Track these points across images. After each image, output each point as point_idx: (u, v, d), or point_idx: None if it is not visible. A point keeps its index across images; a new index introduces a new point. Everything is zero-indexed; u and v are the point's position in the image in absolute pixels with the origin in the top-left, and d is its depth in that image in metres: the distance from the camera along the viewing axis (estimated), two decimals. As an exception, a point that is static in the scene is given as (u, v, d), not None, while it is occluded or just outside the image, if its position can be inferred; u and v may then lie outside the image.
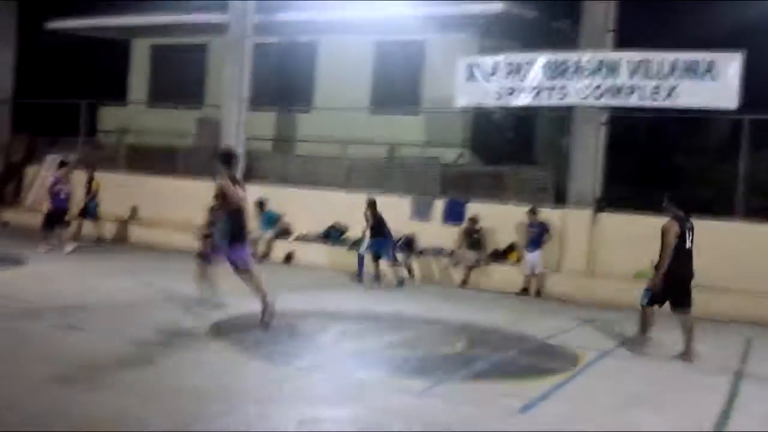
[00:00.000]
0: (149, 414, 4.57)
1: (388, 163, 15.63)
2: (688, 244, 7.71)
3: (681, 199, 7.90)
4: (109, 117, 20.32)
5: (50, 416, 4.35)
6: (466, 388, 5.92)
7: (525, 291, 12.64)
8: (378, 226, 12.56)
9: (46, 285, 9.34)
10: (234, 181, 7.77)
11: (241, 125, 15.98)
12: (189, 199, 16.20)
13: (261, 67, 16.77)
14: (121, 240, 16.31)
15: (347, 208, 14.96)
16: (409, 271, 13.45)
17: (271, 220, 15.32)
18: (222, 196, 7.68)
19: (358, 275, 12.55)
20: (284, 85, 18.31)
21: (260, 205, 15.13)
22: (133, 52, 20.55)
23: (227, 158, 8.01)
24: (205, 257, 8.38)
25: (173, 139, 17.63)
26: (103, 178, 16.54)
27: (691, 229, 7.79)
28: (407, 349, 7.35)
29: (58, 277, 10.06)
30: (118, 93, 20.64)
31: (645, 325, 7.97)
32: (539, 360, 7.40)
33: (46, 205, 13.44)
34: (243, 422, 4.62)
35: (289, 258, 14.91)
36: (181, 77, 19.56)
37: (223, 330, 7.40)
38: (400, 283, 12.37)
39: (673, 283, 7.63)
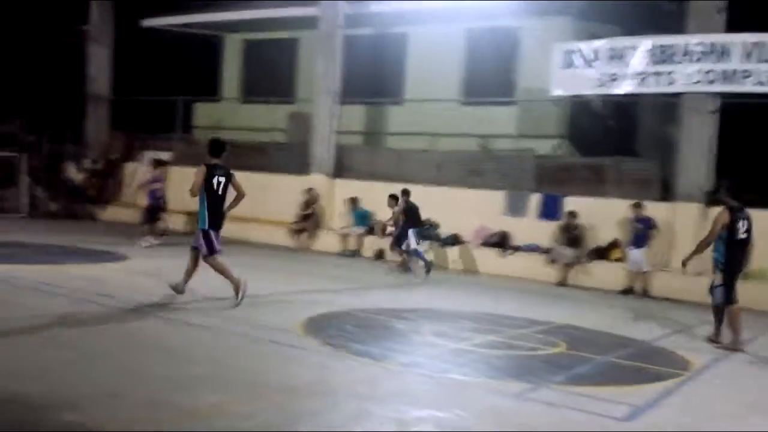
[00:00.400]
0: (254, 410, 4.70)
1: (480, 156, 15.49)
2: (740, 235, 7.81)
3: (738, 189, 7.99)
4: (203, 113, 21.02)
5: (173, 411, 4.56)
6: (567, 393, 5.81)
7: (629, 290, 12.27)
8: (413, 216, 12.89)
9: (149, 280, 9.77)
10: (214, 170, 8.24)
11: (332, 119, 16.22)
12: (281, 194, 16.61)
13: (351, 59, 16.95)
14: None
15: (438, 203, 14.94)
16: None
17: (362, 217, 15.49)
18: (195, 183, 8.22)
19: (427, 268, 12.50)
20: (374, 77, 18.43)
21: (353, 201, 15.33)
22: (225, 48, 21.16)
23: (214, 148, 8.48)
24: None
25: (265, 134, 18.06)
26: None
27: (746, 219, 7.87)
28: (505, 349, 7.28)
29: (159, 272, 10.50)
30: (211, 89, 21.33)
31: (735, 325, 7.97)
32: (646, 364, 7.17)
33: (143, 201, 14.13)
34: (345, 419, 4.69)
35: (379, 255, 15.03)
36: (272, 72, 20.02)
37: (317, 326, 7.53)
38: (427, 270, 12.45)
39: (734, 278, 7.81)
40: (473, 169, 15.22)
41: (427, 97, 16.59)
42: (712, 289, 8.06)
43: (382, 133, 17.02)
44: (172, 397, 4.78)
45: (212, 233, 8.30)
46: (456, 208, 14.66)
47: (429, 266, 12.58)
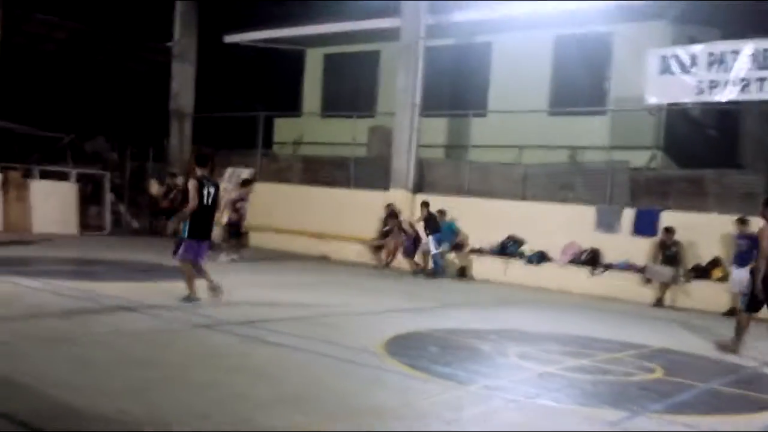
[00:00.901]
0: (341, 433, 4.74)
1: (570, 169, 15.20)
2: None
3: None
4: (284, 128, 21.49)
5: None
6: (666, 422, 5.58)
7: (732, 312, 11.74)
8: (433, 224, 14.55)
9: (226, 296, 10.02)
10: (204, 181, 8.89)
11: (413, 132, 16.27)
12: (361, 210, 16.75)
13: (433, 71, 16.98)
14: (290, 251, 17.10)
15: (524, 218, 14.74)
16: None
17: (449, 231, 15.38)
18: (184, 194, 9.00)
19: (434, 272, 14.20)
20: (457, 88, 18.41)
21: (440, 214, 15.25)
22: (306, 62, 21.56)
23: (202, 159, 9.18)
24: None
25: (346, 149, 18.31)
26: (277, 190, 17.57)
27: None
28: (598, 374, 7.08)
29: (236, 289, 10.74)
30: (292, 104, 21.79)
31: (740, 330, 8.46)
32: (752, 392, 6.83)
33: (226, 217, 14.52)
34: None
35: (463, 272, 14.93)
36: (353, 86, 20.30)
37: (399, 347, 7.52)
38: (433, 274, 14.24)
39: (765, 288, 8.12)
40: (562, 182, 14.95)
41: (513, 108, 16.44)
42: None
43: (465, 147, 16.96)
44: (262, 418, 4.84)
45: (189, 243, 8.88)
46: (543, 224, 14.43)
47: (437, 272, 14.32)
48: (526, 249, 14.48)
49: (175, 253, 9.09)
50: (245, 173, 19.41)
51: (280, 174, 19.18)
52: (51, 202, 17.62)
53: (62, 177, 18.87)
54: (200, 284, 9.12)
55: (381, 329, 8.38)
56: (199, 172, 8.98)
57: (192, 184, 8.85)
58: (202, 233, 9.01)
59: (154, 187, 20.33)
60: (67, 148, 21.91)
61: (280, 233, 17.35)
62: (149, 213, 20.18)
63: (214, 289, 9.05)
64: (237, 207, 14.56)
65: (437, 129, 17.87)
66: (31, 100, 23.10)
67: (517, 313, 10.90)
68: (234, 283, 11.43)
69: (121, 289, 9.72)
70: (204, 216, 8.96)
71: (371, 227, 16.42)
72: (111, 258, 13.28)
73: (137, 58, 26.42)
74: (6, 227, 16.58)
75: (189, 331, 7.52)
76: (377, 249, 16.11)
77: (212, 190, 8.96)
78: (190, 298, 8.99)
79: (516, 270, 14.33)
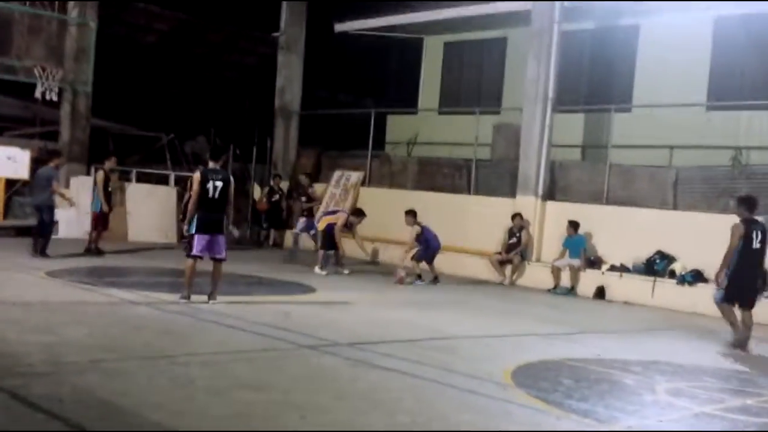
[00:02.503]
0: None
1: (731, 173, 14.56)
2: (755, 245, 9.78)
3: (752, 202, 10.00)
4: (398, 127, 21.66)
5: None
6: None
7: None
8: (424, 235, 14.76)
9: (332, 313, 10.17)
10: (209, 173, 9.79)
11: (544, 130, 16.04)
12: (483, 219, 16.66)
13: (569, 59, 16.72)
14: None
15: (675, 231, 14.24)
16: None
17: (576, 245, 15.07)
18: (190, 188, 10.19)
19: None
20: (596, 79, 18.06)
21: (573, 226, 15.00)
22: (424, 52, 21.67)
23: (215, 152, 10.47)
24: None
25: (466, 149, 18.26)
26: (389, 195, 17.71)
27: (763, 231, 9.81)
28: (766, 417, 6.71)
29: (345, 305, 10.90)
30: (407, 100, 21.94)
31: (730, 321, 10.10)
32: None
33: (322, 226, 14.99)
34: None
35: (600, 292, 14.57)
36: (476, 78, 20.27)
37: (527, 377, 7.40)
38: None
39: (737, 282, 9.83)
40: (722, 188, 14.34)
41: (663, 102, 15.94)
42: None
43: (605, 147, 16.57)
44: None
45: (198, 237, 9.71)
46: (699, 237, 13.86)
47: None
48: (678, 267, 13.95)
49: (187, 252, 9.84)
50: (354, 176, 19.72)
51: (392, 178, 19.35)
52: (148, 207, 18.36)
53: (160, 180, 19.68)
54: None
55: (506, 356, 8.29)
56: (211, 164, 9.93)
57: (195, 176, 9.85)
58: (211, 227, 9.78)
59: (258, 193, 20.95)
60: (166, 148, 22.90)
61: (388, 243, 17.48)
62: (252, 220, 20.82)
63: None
64: (348, 224, 15.07)
65: (573, 126, 17.57)
66: (129, 96, 24.28)
67: (666, 341, 10.54)
68: (344, 298, 11.61)
69: (222, 303, 10.03)
70: (211, 209, 9.75)
71: (494, 239, 16.30)
72: (210, 269, 13.76)
73: (242, 50, 27.24)
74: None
75: (295, 352, 7.67)
76: (502, 264, 15.96)
77: (219, 183, 9.75)
78: (186, 298, 9.84)
79: (665, 291, 13.84)
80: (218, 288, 10.11)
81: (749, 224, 9.86)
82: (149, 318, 8.82)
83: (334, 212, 15.85)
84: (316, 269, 14.57)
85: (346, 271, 14.83)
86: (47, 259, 13.30)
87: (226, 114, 24.57)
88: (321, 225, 15.28)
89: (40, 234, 13.74)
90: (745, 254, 9.79)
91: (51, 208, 13.89)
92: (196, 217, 9.74)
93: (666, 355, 9.29)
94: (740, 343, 9.91)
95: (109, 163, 15.37)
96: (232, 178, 10.08)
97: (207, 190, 9.70)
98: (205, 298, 9.95)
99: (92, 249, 14.70)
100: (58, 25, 19.06)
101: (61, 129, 19.68)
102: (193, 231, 9.75)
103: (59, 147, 18.31)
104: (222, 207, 9.85)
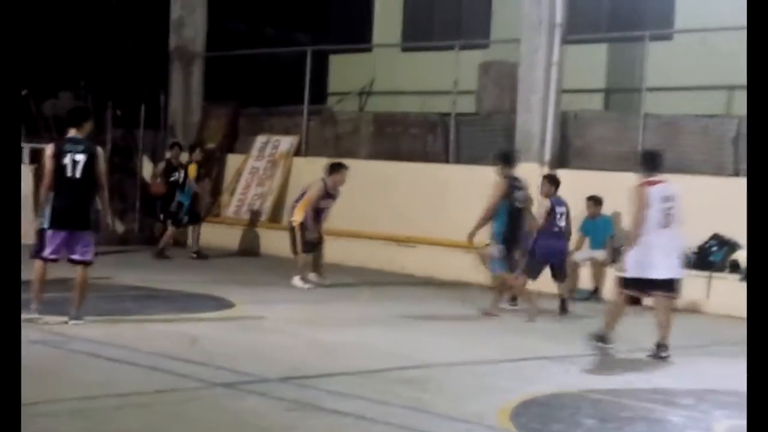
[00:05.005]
0: None
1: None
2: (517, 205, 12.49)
3: (509, 157, 13.08)
4: (345, 71, 21.58)
5: None
6: None
7: None
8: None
9: (258, 338, 10.15)
10: (65, 145, 9.86)
11: (552, 70, 16.06)
12: (469, 197, 16.62)
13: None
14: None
15: (737, 206, 14.30)
16: None
17: (600, 229, 15.14)
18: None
19: None
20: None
21: (594, 202, 14.99)
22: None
23: (74, 115, 10.28)
24: None
25: (442, 100, 18.23)
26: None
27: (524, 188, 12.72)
28: None
29: (271, 325, 10.86)
30: (358, 32, 21.85)
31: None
32: None
33: (299, 218, 14.70)
34: None
35: (635, 299, 14.65)
36: (453, 2, 20.24)
37: (533, 417, 7.46)
38: None
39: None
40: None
41: (715, 25, 16.05)
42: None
43: (636, 90, 16.65)
44: None
45: (50, 234, 9.80)
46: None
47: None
48: (742, 257, 14.11)
49: (34, 252, 9.91)
50: (284, 142, 19.61)
51: (338, 143, 19.30)
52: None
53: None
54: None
55: (503, 389, 8.32)
56: (70, 133, 9.98)
57: (46, 151, 10.01)
58: (70, 219, 9.83)
59: (151, 171, 20.63)
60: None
61: (337, 237, 17.48)
62: (142, 210, 20.57)
63: None
64: (321, 208, 14.71)
65: (592, 63, 17.66)
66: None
67: (727, 362, 10.58)
68: (270, 316, 11.55)
69: (102, 327, 9.99)
70: (70, 195, 9.78)
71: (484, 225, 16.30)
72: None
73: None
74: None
75: (205, 392, 7.65)
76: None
77: (81, 158, 9.74)
78: (35, 306, 9.87)
79: (725, 290, 13.98)
80: (82, 303, 10.03)
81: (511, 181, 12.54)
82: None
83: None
84: (296, 280, 14.33)
85: (326, 282, 14.64)
86: None
87: (101, 60, 24.23)
88: (297, 216, 14.96)
89: None
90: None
91: None
92: (49, 206, 9.77)
93: (727, 382, 9.34)
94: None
95: None
96: (100, 151, 10.04)
97: (63, 168, 9.72)
98: (65, 318, 9.88)
99: None
100: None
101: None
102: (46, 225, 9.80)
103: None
104: (87, 191, 9.81)
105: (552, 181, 14.26)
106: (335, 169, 15.06)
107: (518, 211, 12.51)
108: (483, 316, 12.51)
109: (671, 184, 10.73)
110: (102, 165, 9.95)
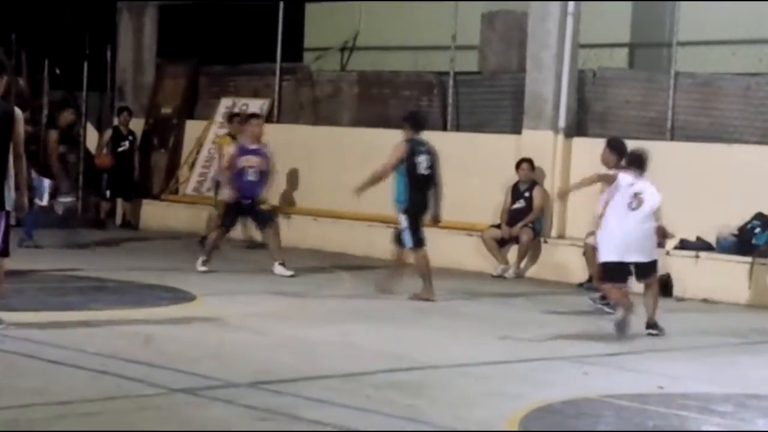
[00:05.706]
0: None
1: None
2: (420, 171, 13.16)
3: (418, 119, 13.86)
4: (324, 22, 21.56)
5: None
6: None
7: None
8: None
9: (223, 335, 10.16)
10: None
11: (568, 20, 16.05)
12: (471, 171, 16.66)
13: None
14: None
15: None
16: None
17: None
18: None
19: None
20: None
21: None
22: None
23: None
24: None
25: (439, 56, 18.21)
26: (312, 136, 17.71)
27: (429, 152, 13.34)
28: None
29: (241, 321, 10.87)
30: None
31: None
32: None
33: (228, 192, 14.66)
34: None
35: (665, 285, 14.68)
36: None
37: (545, 425, 7.50)
38: None
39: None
40: None
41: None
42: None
43: (668, 45, 16.66)
44: None
45: None
46: None
47: None
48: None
49: None
50: (253, 107, 19.56)
51: (317, 107, 19.30)
52: None
53: None
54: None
55: (510, 394, 8.35)
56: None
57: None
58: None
59: (96, 141, 20.59)
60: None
61: (316, 218, 17.47)
62: (86, 185, 20.55)
63: None
64: (239, 167, 14.61)
65: (614, 13, 17.63)
66: None
67: (754, 362, 10.67)
68: (237, 311, 11.56)
69: (43, 323, 10.01)
70: None
71: (489, 204, 16.35)
72: (22, 267, 13.56)
73: None
74: None
75: (162, 400, 7.64)
76: (502, 244, 16.01)
77: None
78: None
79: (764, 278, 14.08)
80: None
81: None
82: None
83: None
84: (277, 268, 14.34)
85: (288, 273, 14.54)
86: None
87: (36, 10, 24.16)
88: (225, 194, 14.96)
89: None
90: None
91: None
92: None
93: (758, 384, 9.45)
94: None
95: None
96: (19, 113, 9.77)
97: None
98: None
99: None
100: None
101: None
102: None
103: None
104: (1, 164, 9.52)
105: (614, 149, 13.03)
106: (244, 120, 15.66)
107: (423, 177, 13.21)
108: (378, 293, 13.35)
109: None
110: (21, 130, 9.64)
